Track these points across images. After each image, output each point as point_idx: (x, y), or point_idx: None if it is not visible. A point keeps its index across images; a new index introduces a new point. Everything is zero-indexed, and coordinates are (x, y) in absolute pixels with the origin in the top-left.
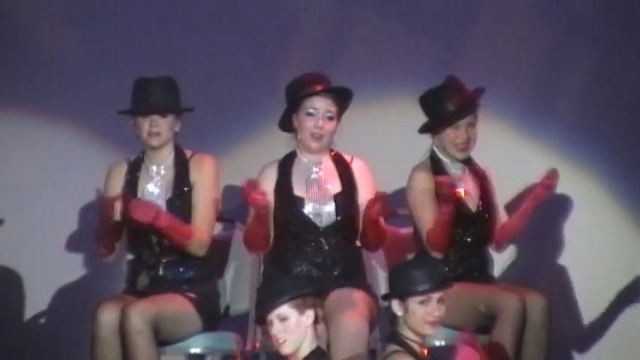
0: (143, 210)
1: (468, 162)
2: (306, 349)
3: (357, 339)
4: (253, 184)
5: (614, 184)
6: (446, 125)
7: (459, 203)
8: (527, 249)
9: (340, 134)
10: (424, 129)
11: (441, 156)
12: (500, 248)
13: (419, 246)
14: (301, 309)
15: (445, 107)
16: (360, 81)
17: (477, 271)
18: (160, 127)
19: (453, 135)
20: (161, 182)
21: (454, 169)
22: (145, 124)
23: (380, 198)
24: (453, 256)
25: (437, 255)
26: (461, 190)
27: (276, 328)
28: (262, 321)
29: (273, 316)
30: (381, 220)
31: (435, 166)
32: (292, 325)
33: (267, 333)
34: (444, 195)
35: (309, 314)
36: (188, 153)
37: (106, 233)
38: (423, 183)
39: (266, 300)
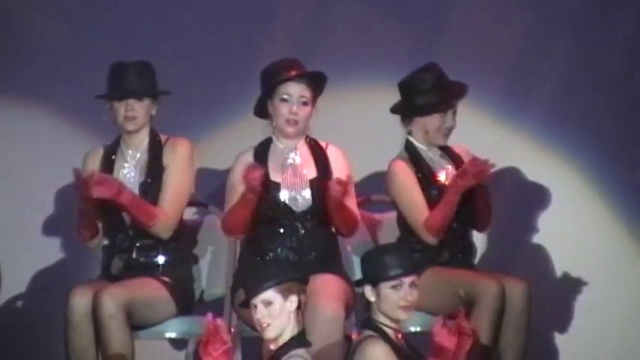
0: (106, 186)
1: (444, 147)
2: (287, 334)
3: (333, 324)
4: (257, 167)
5: (593, 171)
6: (434, 112)
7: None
8: (506, 237)
9: (316, 120)
10: (403, 111)
11: (416, 144)
12: (482, 228)
13: (404, 229)
14: (286, 294)
15: (431, 95)
16: (337, 67)
17: (461, 256)
18: (135, 112)
19: (440, 121)
20: (136, 166)
21: (432, 154)
22: (121, 108)
23: (339, 181)
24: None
25: (432, 241)
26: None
27: (261, 313)
28: (245, 304)
29: (257, 300)
30: (348, 204)
31: (412, 155)
32: (276, 310)
33: (244, 318)
34: (479, 174)
35: (293, 300)
36: (163, 137)
37: (86, 214)
38: (405, 173)
39: (251, 284)
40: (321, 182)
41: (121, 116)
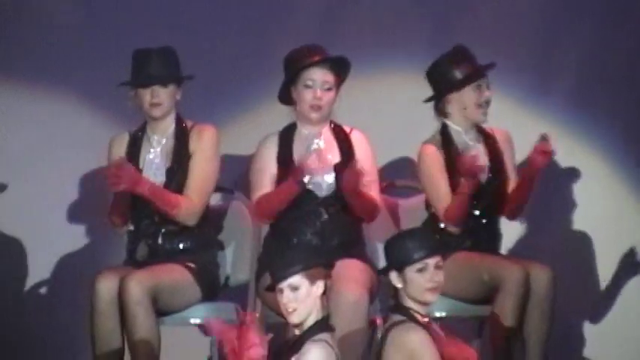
0: (123, 177)
1: (480, 130)
2: (312, 319)
3: (357, 309)
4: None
5: (617, 156)
6: (470, 82)
7: (478, 179)
8: (531, 223)
9: (340, 106)
10: (439, 94)
11: (454, 125)
12: (511, 216)
13: (429, 215)
14: (312, 279)
15: (465, 66)
16: (360, 53)
17: (485, 244)
18: (160, 98)
19: (476, 94)
20: (162, 152)
21: (468, 138)
22: (146, 95)
23: (352, 172)
24: (461, 228)
25: (453, 229)
26: (483, 165)
27: (287, 297)
28: (271, 288)
29: (284, 284)
30: (369, 190)
31: (446, 139)
32: (303, 295)
33: (268, 304)
34: (467, 172)
35: (320, 285)
36: (189, 123)
37: (119, 202)
38: (432, 158)
39: (278, 268)
40: (343, 168)
41: (147, 103)
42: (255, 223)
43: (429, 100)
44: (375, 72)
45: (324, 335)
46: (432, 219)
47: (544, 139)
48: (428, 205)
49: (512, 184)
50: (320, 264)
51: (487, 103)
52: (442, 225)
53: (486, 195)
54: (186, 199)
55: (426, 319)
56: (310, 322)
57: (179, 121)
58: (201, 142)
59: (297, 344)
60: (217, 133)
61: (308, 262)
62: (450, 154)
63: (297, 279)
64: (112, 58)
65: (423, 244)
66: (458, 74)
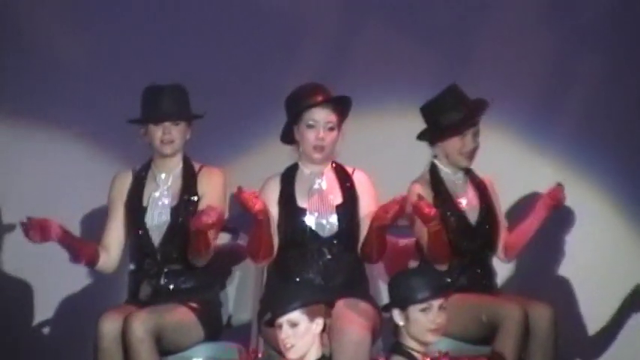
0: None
1: (468, 172)
2: (311, 356)
3: (360, 349)
4: (248, 192)
5: (619, 194)
6: (453, 134)
7: (434, 222)
8: (530, 260)
9: (342, 144)
10: (426, 137)
11: (441, 166)
12: (509, 256)
13: (421, 255)
14: (312, 316)
15: (451, 115)
16: (362, 91)
17: (480, 281)
18: (172, 135)
19: (459, 144)
20: (168, 191)
21: (456, 179)
22: (158, 131)
23: (398, 202)
24: (455, 267)
25: (441, 267)
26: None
27: (286, 333)
28: (270, 324)
29: (283, 320)
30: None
31: (435, 178)
32: (301, 331)
33: (269, 342)
34: (422, 217)
35: (319, 322)
36: (197, 165)
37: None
38: (420, 197)
39: (278, 303)
40: (349, 208)
41: (158, 139)
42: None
43: (419, 138)
44: (375, 110)
45: None
46: (424, 259)
47: (559, 185)
48: (419, 251)
49: (501, 227)
50: (320, 301)
51: (472, 151)
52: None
53: (478, 236)
54: None
55: (428, 359)
56: (310, 359)
57: (186, 161)
58: (210, 185)
59: None
60: (225, 175)
61: (308, 299)
62: (440, 193)
63: (296, 315)
64: (117, 96)
65: (428, 284)
66: (444, 122)
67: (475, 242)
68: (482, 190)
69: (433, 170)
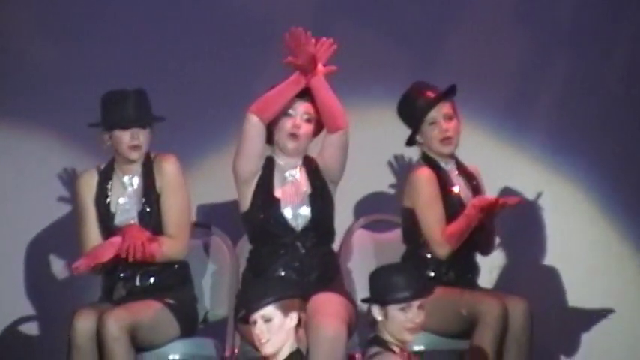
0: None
1: (457, 162)
2: (286, 351)
3: (336, 343)
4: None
5: (596, 190)
6: (420, 120)
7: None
8: (507, 256)
9: (316, 140)
10: (410, 140)
11: (431, 155)
12: (486, 252)
13: (410, 246)
14: (286, 311)
15: (416, 105)
16: (338, 87)
17: (466, 276)
18: (140, 140)
19: (433, 131)
20: (132, 194)
21: (447, 166)
22: (125, 136)
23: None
24: (446, 260)
25: (443, 254)
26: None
27: (260, 328)
28: (245, 320)
29: (257, 315)
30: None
31: (431, 165)
32: (275, 326)
33: (246, 337)
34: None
35: (293, 316)
36: (152, 155)
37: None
38: (432, 183)
39: (251, 299)
40: (324, 197)
41: (125, 145)
42: (232, 260)
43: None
44: (350, 106)
45: None
46: (414, 249)
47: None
48: (407, 239)
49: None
50: (294, 295)
51: (444, 133)
52: (429, 255)
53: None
54: (167, 240)
55: (405, 353)
56: (285, 353)
57: (146, 156)
58: (166, 178)
59: None
60: (177, 161)
61: (281, 294)
62: (441, 179)
63: (269, 310)
64: (83, 97)
65: (409, 284)
66: (413, 111)
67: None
68: (471, 180)
69: (426, 158)
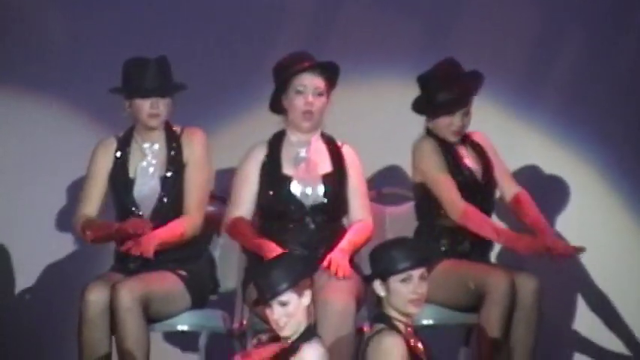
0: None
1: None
2: (301, 328)
3: (344, 317)
4: None
5: (607, 166)
6: (441, 114)
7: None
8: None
9: (329, 115)
10: (419, 108)
11: (437, 132)
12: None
13: (424, 215)
14: (300, 291)
15: (442, 95)
16: (349, 61)
17: (482, 246)
18: (160, 109)
19: (447, 121)
20: (154, 159)
21: (452, 141)
22: (145, 105)
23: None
24: (460, 230)
25: (455, 217)
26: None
27: (278, 313)
28: (259, 303)
29: (274, 301)
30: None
31: (437, 138)
32: (292, 309)
33: (255, 312)
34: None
35: (307, 294)
36: (177, 129)
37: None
38: (436, 151)
39: (265, 287)
40: (336, 179)
41: (145, 113)
42: None
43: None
44: (362, 80)
45: (315, 339)
46: (428, 220)
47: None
48: (419, 215)
49: (505, 183)
50: (306, 275)
51: (459, 128)
52: (438, 227)
53: (482, 197)
54: (188, 220)
55: (409, 329)
56: (300, 331)
57: (167, 125)
58: (193, 152)
59: (290, 351)
60: (206, 136)
61: (295, 278)
62: (447, 153)
63: (286, 295)
64: (102, 66)
65: (408, 255)
66: (435, 100)
67: (480, 205)
68: (479, 151)
69: (430, 133)
